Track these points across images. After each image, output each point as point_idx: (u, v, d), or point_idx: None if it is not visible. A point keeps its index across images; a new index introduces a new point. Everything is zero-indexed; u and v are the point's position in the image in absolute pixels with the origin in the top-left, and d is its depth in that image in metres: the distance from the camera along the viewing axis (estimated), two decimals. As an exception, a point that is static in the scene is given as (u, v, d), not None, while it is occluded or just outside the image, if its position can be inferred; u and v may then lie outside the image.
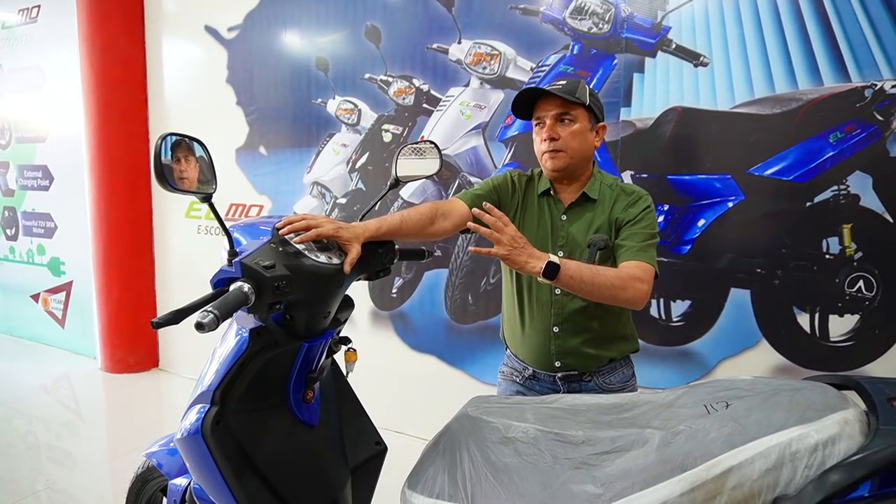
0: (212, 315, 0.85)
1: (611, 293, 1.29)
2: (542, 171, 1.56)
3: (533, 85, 1.48)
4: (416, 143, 1.44)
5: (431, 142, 1.43)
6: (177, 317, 0.88)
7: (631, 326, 1.55)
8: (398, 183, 1.42)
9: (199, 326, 0.84)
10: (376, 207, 1.39)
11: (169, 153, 1.00)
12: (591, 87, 1.49)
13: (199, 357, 1.29)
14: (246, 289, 0.93)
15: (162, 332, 3.94)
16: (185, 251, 3.75)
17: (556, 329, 1.47)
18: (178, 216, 3.74)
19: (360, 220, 1.25)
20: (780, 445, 0.89)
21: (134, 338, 3.88)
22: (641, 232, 1.40)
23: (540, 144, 1.47)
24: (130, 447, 2.78)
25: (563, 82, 1.46)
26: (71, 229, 4.23)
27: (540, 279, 1.22)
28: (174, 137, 1.01)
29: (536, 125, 1.49)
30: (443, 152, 1.46)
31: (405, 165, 1.42)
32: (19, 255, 4.66)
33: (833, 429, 0.89)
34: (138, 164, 3.75)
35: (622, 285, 1.29)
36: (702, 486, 0.89)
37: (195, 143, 1.06)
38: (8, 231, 4.72)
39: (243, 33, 3.33)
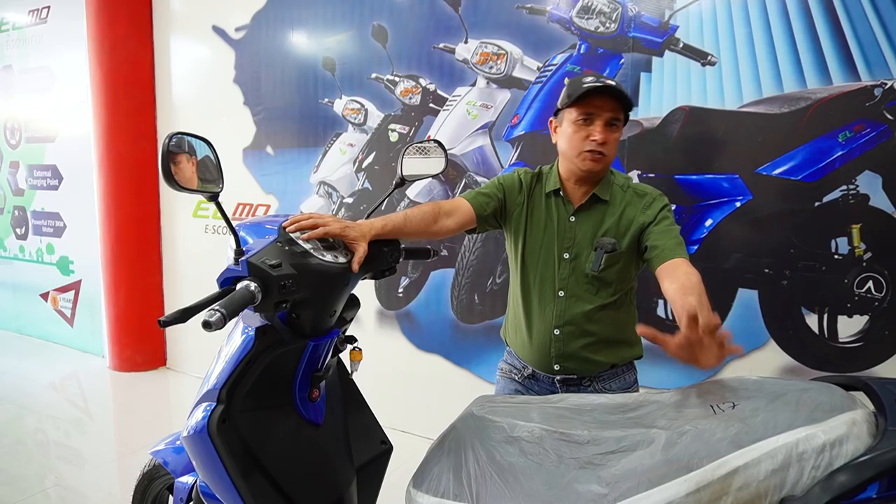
0: (219, 314, 0.85)
1: None
2: (550, 167, 1.52)
3: (590, 82, 1.41)
4: (422, 142, 1.44)
5: (436, 141, 1.44)
6: (184, 315, 0.89)
7: (635, 331, 1.49)
8: (404, 182, 1.42)
9: (207, 325, 0.85)
10: (382, 206, 1.39)
11: (177, 152, 1.00)
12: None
13: (205, 356, 1.30)
14: (252, 287, 0.93)
15: (169, 330, 3.96)
16: (193, 250, 3.77)
17: (556, 331, 1.45)
18: (185, 216, 3.76)
19: (366, 218, 1.25)
20: (787, 446, 0.88)
21: (142, 336, 3.90)
22: (670, 229, 1.37)
23: (583, 141, 1.38)
24: (138, 445, 2.80)
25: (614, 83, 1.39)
26: (80, 228, 4.26)
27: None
28: (182, 137, 1.02)
29: (581, 120, 1.39)
30: (449, 152, 1.46)
31: (410, 164, 1.42)
32: (29, 254, 4.70)
33: (841, 429, 0.88)
34: (146, 163, 3.77)
35: None
36: (708, 486, 0.88)
37: (203, 143, 1.06)
38: (18, 230, 4.76)
39: (251, 33, 3.34)
